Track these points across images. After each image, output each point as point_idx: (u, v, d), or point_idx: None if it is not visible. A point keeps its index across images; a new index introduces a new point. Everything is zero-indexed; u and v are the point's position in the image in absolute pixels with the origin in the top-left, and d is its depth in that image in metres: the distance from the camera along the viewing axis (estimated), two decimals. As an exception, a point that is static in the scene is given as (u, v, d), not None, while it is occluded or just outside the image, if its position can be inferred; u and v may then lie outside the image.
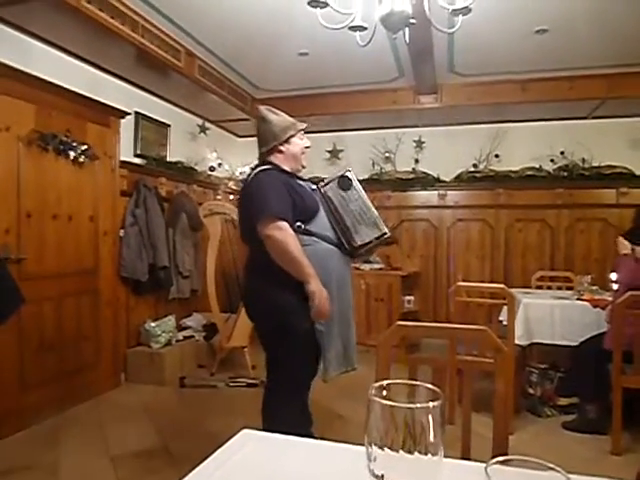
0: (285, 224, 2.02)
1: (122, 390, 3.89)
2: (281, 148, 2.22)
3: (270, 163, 2.22)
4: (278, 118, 2.24)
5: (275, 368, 2.29)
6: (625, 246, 3.06)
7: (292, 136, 2.23)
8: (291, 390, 2.24)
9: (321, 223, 2.19)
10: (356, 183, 2.26)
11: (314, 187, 2.28)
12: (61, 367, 3.40)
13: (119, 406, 3.55)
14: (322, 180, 2.33)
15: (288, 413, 2.18)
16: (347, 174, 2.26)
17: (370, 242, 2.23)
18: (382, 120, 5.32)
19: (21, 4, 2.80)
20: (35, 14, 2.94)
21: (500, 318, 3.41)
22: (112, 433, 3.04)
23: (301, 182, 2.24)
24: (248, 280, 2.29)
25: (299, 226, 2.12)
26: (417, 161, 5.50)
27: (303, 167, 2.32)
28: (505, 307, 3.08)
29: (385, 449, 0.55)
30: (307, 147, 2.28)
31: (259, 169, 2.18)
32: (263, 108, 2.30)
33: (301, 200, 2.12)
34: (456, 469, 0.76)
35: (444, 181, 5.41)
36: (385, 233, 2.24)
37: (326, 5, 2.29)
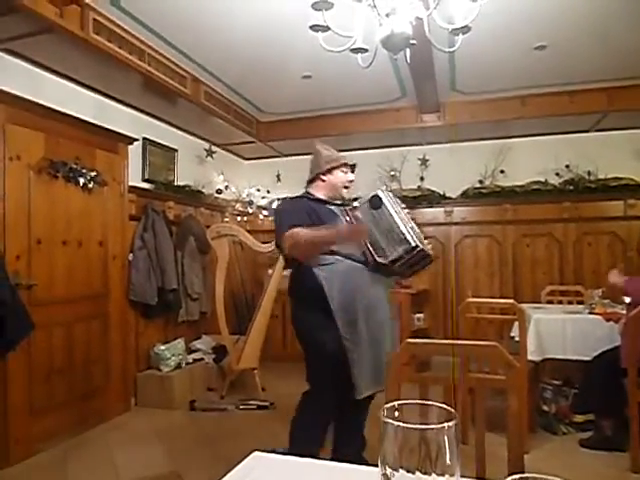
0: (293, 229, 2.19)
1: (132, 414, 3.87)
2: (323, 177, 2.46)
3: (306, 192, 2.48)
4: (327, 152, 2.50)
5: (309, 387, 2.40)
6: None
7: (334, 168, 2.45)
8: (318, 405, 2.34)
9: (346, 243, 2.29)
10: (388, 201, 2.32)
11: (342, 210, 2.40)
12: (71, 392, 3.40)
13: (129, 430, 3.53)
14: (352, 201, 2.52)
15: (315, 431, 2.31)
16: (378, 193, 2.35)
17: (402, 257, 2.23)
18: (386, 139, 5.37)
19: (31, 37, 2.88)
20: (45, 46, 3.03)
21: (512, 334, 3.38)
22: (122, 458, 3.02)
23: (330, 207, 2.41)
24: (290, 302, 2.48)
25: None
26: (422, 179, 5.53)
27: (340, 196, 2.51)
28: (516, 323, 3.05)
29: (400, 470, 0.55)
30: (350, 181, 2.50)
31: (288, 197, 2.51)
32: (317, 143, 2.56)
33: (318, 220, 2.27)
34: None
35: (450, 198, 5.42)
36: (416, 246, 2.20)
37: (327, 29, 2.34)
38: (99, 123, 3.68)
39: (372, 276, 2.28)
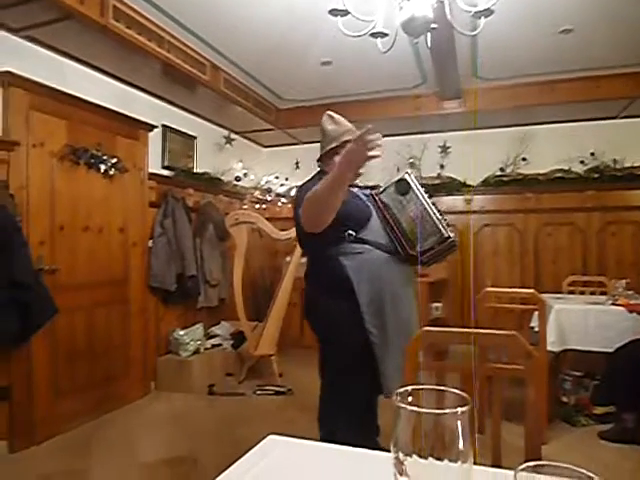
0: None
1: (152, 398, 3.95)
2: (338, 152, 2.12)
3: (322, 171, 2.19)
4: (338, 125, 2.21)
5: (328, 377, 2.22)
6: None
7: (348, 141, 2.07)
8: (344, 402, 2.14)
9: (374, 231, 2.11)
10: (415, 186, 2.13)
11: (368, 193, 2.21)
12: (93, 375, 3.48)
13: (149, 414, 3.60)
14: (379, 186, 2.24)
15: (343, 424, 2.08)
16: (405, 177, 2.15)
17: (432, 248, 2.09)
18: (406, 126, 5.30)
19: (52, 24, 2.91)
20: (66, 34, 3.05)
21: (531, 324, 3.33)
22: (142, 440, 3.09)
23: (354, 189, 2.17)
24: (306, 289, 2.26)
25: (350, 234, 2.06)
26: (442, 166, 5.46)
27: (360, 174, 2.16)
28: (536, 313, 3.01)
29: (414, 456, 0.55)
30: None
31: (308, 178, 2.18)
32: (327, 114, 2.26)
33: (346, 205, 2.00)
34: (486, 476, 0.75)
35: (470, 186, 5.34)
36: (448, 237, 2.08)
37: (347, 13, 2.30)
38: (120, 110, 3.71)
39: (400, 268, 2.14)
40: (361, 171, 2.10)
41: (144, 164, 4.00)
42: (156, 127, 4.12)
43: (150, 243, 4.05)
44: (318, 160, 2.29)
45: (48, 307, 2.83)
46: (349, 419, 2.13)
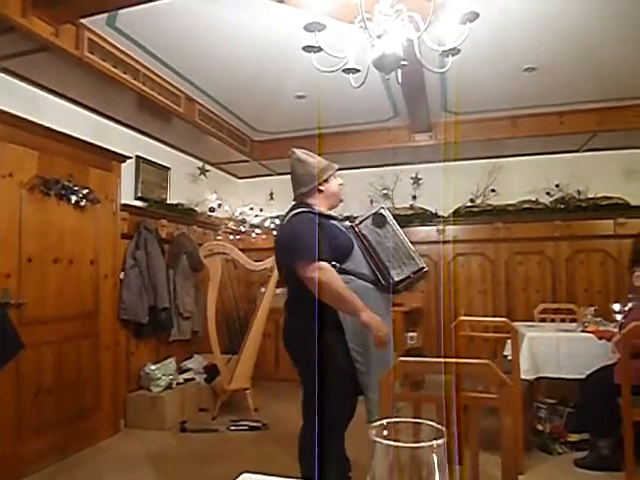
0: (326, 264, 2.07)
1: (122, 436, 3.80)
2: (321, 188, 2.31)
3: (306, 204, 2.28)
4: (315, 160, 2.35)
5: (310, 408, 2.21)
6: None
7: (330, 176, 2.33)
8: (328, 434, 2.16)
9: (356, 261, 2.22)
10: (390, 219, 2.30)
11: (348, 225, 2.33)
12: (60, 413, 3.33)
13: (119, 453, 3.46)
14: (356, 218, 2.40)
15: (327, 456, 2.10)
16: (381, 211, 2.31)
17: (408, 277, 2.25)
18: (379, 158, 5.41)
19: (27, 55, 2.91)
20: (41, 65, 3.05)
21: (505, 353, 3.37)
22: (111, 482, 2.96)
23: (335, 222, 2.29)
24: (289, 320, 2.32)
25: (334, 265, 2.14)
26: (415, 197, 5.57)
27: (341, 201, 2.42)
28: (509, 341, 3.05)
29: (390, 491, 0.54)
30: (341, 184, 2.39)
31: (295, 212, 2.23)
32: (298, 151, 2.38)
33: (334, 240, 2.17)
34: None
35: (442, 216, 5.45)
36: (422, 268, 2.27)
37: (320, 50, 2.37)
38: (93, 141, 3.69)
39: (382, 297, 2.24)
40: (341, 199, 2.38)
41: (116, 195, 3.96)
42: (129, 158, 4.10)
43: (122, 275, 3.97)
44: (303, 195, 2.34)
45: (13, 343, 2.73)
46: (332, 451, 2.14)
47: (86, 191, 3.56)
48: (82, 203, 3.54)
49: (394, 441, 0.53)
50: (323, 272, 2.04)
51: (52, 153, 3.34)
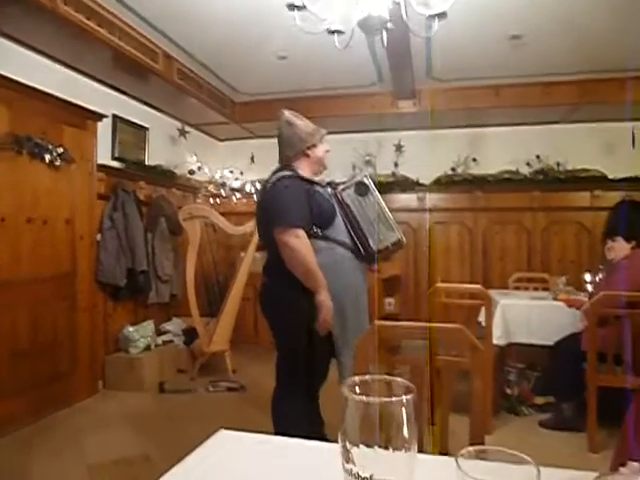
0: (302, 232, 2.07)
1: (100, 397, 3.82)
2: (308, 152, 2.28)
3: (291, 169, 2.25)
4: (304, 123, 2.30)
5: (283, 369, 2.31)
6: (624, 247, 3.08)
7: (318, 141, 2.30)
8: (298, 392, 2.25)
9: (338, 229, 2.23)
10: (373, 189, 2.29)
11: (331, 192, 2.31)
12: (36, 375, 3.33)
13: (97, 414, 3.49)
14: (338, 185, 2.37)
15: (296, 415, 2.19)
16: (364, 180, 2.29)
17: (386, 248, 2.26)
18: (363, 124, 5.36)
19: (-5, 5, 2.76)
20: (11, 17, 2.90)
21: (479, 319, 3.45)
22: (89, 441, 2.99)
23: (319, 188, 2.27)
24: (266, 281, 2.32)
25: (316, 232, 2.16)
26: (397, 165, 5.56)
27: (325, 169, 2.39)
28: (483, 308, 3.12)
29: (360, 446, 0.56)
30: (327, 151, 2.35)
31: (280, 176, 2.20)
32: (288, 113, 2.33)
33: (319, 207, 2.17)
34: (431, 463, 0.77)
35: (423, 184, 5.47)
36: (400, 239, 2.29)
37: (304, 8, 2.30)
38: (67, 98, 3.56)
39: (360, 266, 2.27)
40: (326, 165, 2.36)
41: (92, 155, 3.85)
42: (105, 117, 3.97)
43: (98, 237, 3.92)
44: (288, 158, 2.31)
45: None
46: (302, 411, 2.21)
47: (60, 150, 3.46)
48: (56, 162, 3.44)
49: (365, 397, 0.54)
50: (297, 240, 2.05)
51: (23, 109, 3.22)
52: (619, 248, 3.07)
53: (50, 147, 3.38)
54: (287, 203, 2.11)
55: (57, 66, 3.64)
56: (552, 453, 2.73)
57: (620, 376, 2.70)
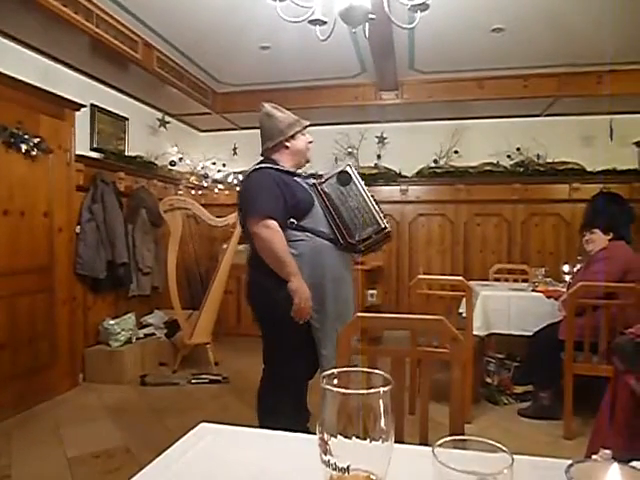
0: (272, 222, 2.07)
1: (80, 390, 3.78)
2: (287, 144, 2.28)
3: (271, 160, 2.26)
4: (283, 115, 2.30)
5: (270, 362, 2.32)
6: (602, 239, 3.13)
7: (297, 132, 2.28)
8: (285, 385, 2.27)
9: (316, 219, 2.22)
10: (356, 178, 2.27)
11: (311, 183, 2.30)
12: (15, 368, 3.27)
13: (77, 406, 3.45)
14: (321, 176, 2.36)
15: (282, 407, 2.20)
16: (347, 169, 2.27)
17: (369, 237, 2.24)
18: (345, 115, 5.35)
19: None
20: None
21: (460, 310, 3.50)
22: (70, 434, 2.96)
23: (298, 179, 2.27)
24: (250, 273, 2.33)
25: (292, 222, 2.17)
26: (379, 157, 5.57)
27: (307, 161, 2.38)
28: (464, 299, 3.16)
29: (338, 437, 0.56)
30: (310, 142, 2.34)
31: (253, 168, 2.23)
32: (267, 105, 2.33)
33: (293, 197, 2.16)
34: (409, 453, 0.78)
35: (405, 176, 5.49)
36: (384, 228, 2.25)
37: (286, -2, 2.28)
38: (43, 87, 3.47)
39: (340, 255, 2.26)
40: (309, 158, 2.36)
41: (71, 145, 3.77)
42: (84, 106, 3.88)
43: (77, 229, 3.85)
44: (268, 150, 2.32)
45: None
46: (288, 404, 2.22)
47: (37, 140, 3.38)
48: (33, 152, 3.36)
49: (344, 389, 0.55)
50: (267, 230, 2.07)
51: (-2, 98, 3.13)
52: (597, 240, 3.13)
53: (26, 137, 3.30)
54: (256, 194, 2.14)
55: (33, 54, 3.55)
56: (530, 441, 2.79)
57: (595, 365, 2.77)
